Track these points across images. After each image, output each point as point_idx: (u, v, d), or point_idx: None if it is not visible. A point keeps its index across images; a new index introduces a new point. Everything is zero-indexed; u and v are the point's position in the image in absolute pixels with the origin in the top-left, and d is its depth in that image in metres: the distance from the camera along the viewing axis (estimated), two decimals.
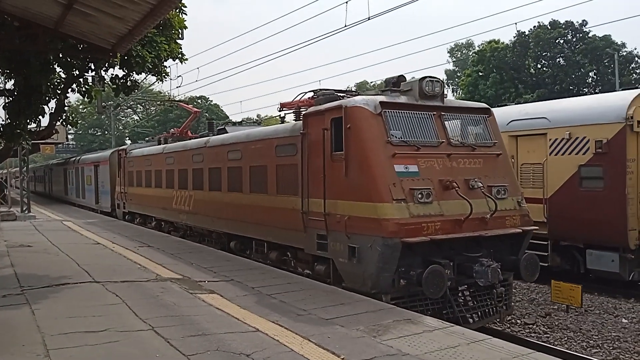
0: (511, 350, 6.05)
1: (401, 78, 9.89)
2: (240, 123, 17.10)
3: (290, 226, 10.54)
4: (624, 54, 48.75)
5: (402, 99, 9.39)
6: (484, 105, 10.65)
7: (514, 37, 51.15)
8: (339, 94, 10.66)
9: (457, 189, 8.70)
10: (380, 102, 8.98)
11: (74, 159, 37.74)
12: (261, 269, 11.14)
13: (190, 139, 19.27)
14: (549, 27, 49.87)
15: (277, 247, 11.59)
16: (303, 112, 10.60)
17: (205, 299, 8.41)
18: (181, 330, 6.63)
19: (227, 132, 15.29)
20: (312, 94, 11.53)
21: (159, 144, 20.93)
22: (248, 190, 12.50)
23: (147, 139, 26.30)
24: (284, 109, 12.85)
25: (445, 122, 9.42)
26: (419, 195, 8.42)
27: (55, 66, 12.08)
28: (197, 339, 6.29)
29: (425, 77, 9.53)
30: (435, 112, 9.36)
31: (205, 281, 9.80)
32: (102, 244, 14.95)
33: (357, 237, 8.71)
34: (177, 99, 57.80)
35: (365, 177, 8.65)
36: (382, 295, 8.38)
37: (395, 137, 8.87)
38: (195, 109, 23.39)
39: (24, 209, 25.03)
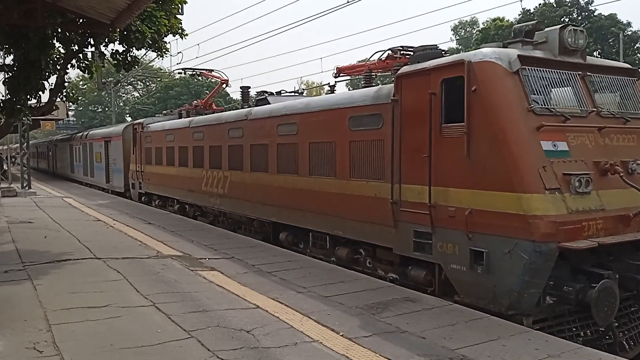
0: (508, 328, 6.10)
1: (537, 26, 7.54)
2: (279, 93, 14.51)
3: (371, 218, 8.63)
4: (629, 33, 48.24)
5: (538, 54, 7.24)
6: (628, 65, 8.63)
7: (519, 15, 50.53)
8: (443, 51, 8.52)
9: (621, 174, 6.71)
10: (519, 57, 6.89)
11: (81, 134, 34.66)
12: (261, 247, 11.19)
13: (213, 112, 17.65)
14: (555, 5, 49.31)
15: (348, 243, 9.64)
16: (396, 73, 8.24)
17: (205, 276, 8.46)
18: (182, 307, 6.69)
19: (269, 103, 12.94)
20: (388, 53, 9.87)
21: (180, 117, 18.97)
22: (307, 172, 10.38)
23: (164, 112, 22.90)
24: (341, 74, 11.02)
25: (590, 86, 7.37)
26: (577, 184, 6.43)
27: (55, 41, 11.96)
28: (198, 315, 6.35)
29: (567, 24, 7.52)
30: (579, 72, 7.31)
31: (206, 258, 9.85)
32: (102, 220, 15.00)
33: (485, 238, 6.68)
34: (177, 75, 57.68)
35: (502, 158, 6.54)
36: (523, 317, 6.51)
37: (537, 103, 6.84)
38: (224, 78, 19.98)
39: (25, 185, 25.06)
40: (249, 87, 15.82)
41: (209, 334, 5.71)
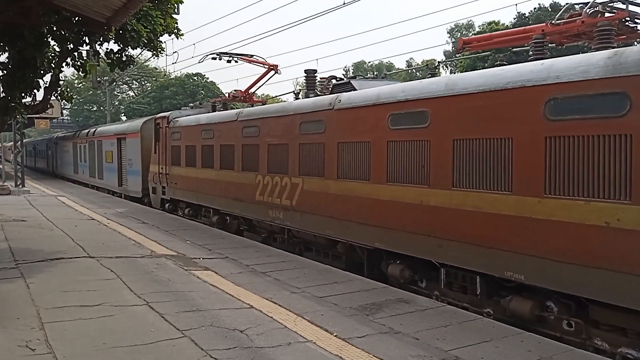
0: (502, 329, 6.13)
1: None
2: (353, 78, 11.91)
3: (594, 261, 5.71)
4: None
5: None
6: None
7: (514, 18, 50.78)
8: None
9: None
10: None
11: (87, 130, 31.64)
12: (256, 247, 11.19)
13: (252, 106, 15.53)
14: (550, 10, 49.57)
15: (522, 291, 6.80)
16: None
17: (199, 275, 8.45)
18: (175, 306, 6.68)
19: (355, 89, 10.30)
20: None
21: (214, 109, 16.33)
22: (447, 182, 7.44)
23: (191, 105, 20.13)
24: (466, 47, 8.76)
25: None
26: None
27: (50, 39, 11.93)
28: (192, 315, 6.34)
29: None
30: None
31: (200, 258, 9.84)
32: (96, 219, 14.95)
33: None
34: (173, 75, 57.52)
35: None
36: None
37: None
38: (271, 64, 16.73)
39: (18, 183, 24.96)
40: (315, 71, 12.74)
41: (202, 334, 5.70)
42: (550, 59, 6.71)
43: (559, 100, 6.16)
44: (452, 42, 70.07)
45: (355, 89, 10.23)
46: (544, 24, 7.68)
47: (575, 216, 5.93)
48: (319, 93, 11.76)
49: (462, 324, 6.26)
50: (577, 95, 5.99)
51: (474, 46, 9.12)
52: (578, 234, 5.89)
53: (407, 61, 73.19)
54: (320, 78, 12.41)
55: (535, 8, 51.27)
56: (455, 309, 6.96)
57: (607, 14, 7.09)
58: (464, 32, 74.13)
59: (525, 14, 51.00)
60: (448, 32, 75.52)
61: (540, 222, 6.25)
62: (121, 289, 7.53)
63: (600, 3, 7.12)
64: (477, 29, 60.62)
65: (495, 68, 7.46)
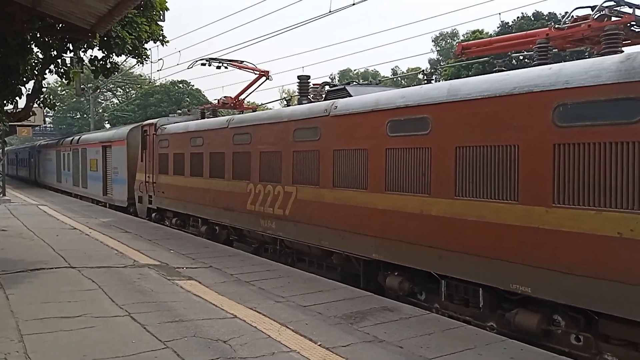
0: (484, 337, 6.16)
1: None
2: (347, 84, 11.17)
3: (605, 273, 5.50)
4: None
5: None
6: None
7: (498, 27, 51.49)
8: None
9: None
10: None
11: (71, 138, 30.97)
12: (240, 256, 11.14)
13: (241, 113, 15.35)
14: (532, 19, 50.31)
15: (528, 304, 6.57)
16: None
17: (183, 285, 8.38)
18: (158, 317, 6.61)
19: (350, 95, 9.94)
20: None
21: (203, 116, 16.11)
22: (449, 190, 7.15)
23: (179, 111, 19.88)
24: (464, 52, 8.49)
25: None
26: None
27: (33, 46, 11.82)
28: (174, 325, 6.27)
29: None
30: None
31: (183, 267, 9.76)
32: (79, 229, 14.78)
33: None
34: (158, 82, 57.20)
35: None
36: None
37: None
38: (262, 69, 16.49)
39: None
40: (309, 77, 12.36)
41: (185, 344, 5.64)
42: (558, 63, 6.46)
43: (568, 106, 5.92)
44: (437, 51, 70.76)
45: (350, 95, 9.92)
46: (548, 28, 7.59)
47: (585, 226, 5.66)
48: (312, 99, 11.57)
49: (445, 331, 6.28)
50: (588, 100, 5.75)
51: (473, 51, 8.94)
52: (589, 245, 5.63)
53: (392, 69, 73.75)
54: (314, 84, 12.25)
55: (518, 17, 52.05)
56: (439, 317, 6.98)
57: (613, 18, 6.97)
58: (448, 40, 74.91)
59: (508, 22, 51.72)
60: (433, 41, 76.23)
61: (548, 232, 5.99)
62: (102, 299, 7.43)
63: (607, 7, 6.96)
64: (462, 38, 61.30)
65: (501, 73, 7.25)
